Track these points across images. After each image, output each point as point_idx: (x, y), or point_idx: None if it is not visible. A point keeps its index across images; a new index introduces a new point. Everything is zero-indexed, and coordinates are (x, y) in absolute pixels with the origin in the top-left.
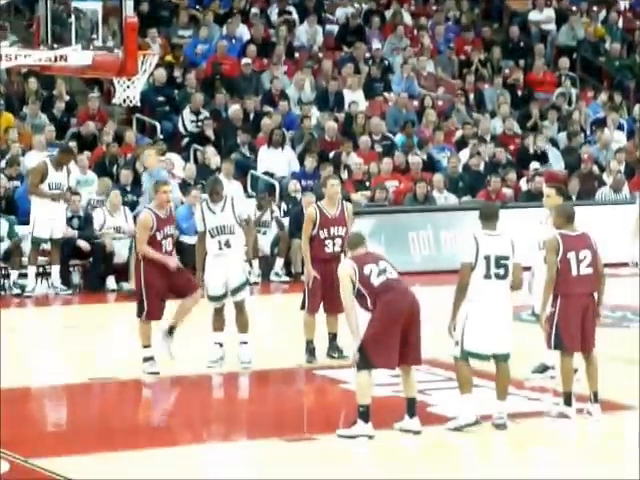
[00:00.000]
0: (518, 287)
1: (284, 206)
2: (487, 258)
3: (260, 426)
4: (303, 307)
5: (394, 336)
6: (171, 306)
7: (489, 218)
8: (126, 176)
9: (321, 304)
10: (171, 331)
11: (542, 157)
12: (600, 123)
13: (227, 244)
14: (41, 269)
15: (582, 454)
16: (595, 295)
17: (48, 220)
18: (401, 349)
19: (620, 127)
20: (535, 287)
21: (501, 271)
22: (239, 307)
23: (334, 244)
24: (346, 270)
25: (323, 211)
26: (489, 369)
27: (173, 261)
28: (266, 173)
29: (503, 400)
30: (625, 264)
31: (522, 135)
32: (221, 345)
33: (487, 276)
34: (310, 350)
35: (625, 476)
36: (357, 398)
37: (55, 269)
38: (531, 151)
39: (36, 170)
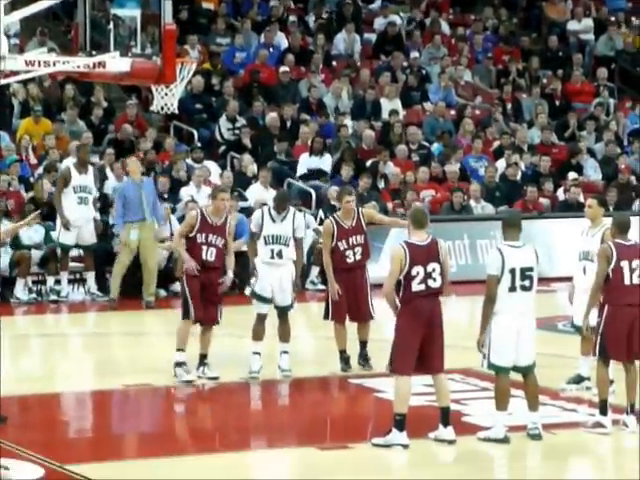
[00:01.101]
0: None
1: (321, 214)
2: (512, 271)
3: (295, 434)
4: (326, 317)
5: (412, 344)
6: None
7: (512, 229)
8: (163, 183)
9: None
10: (203, 360)
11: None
12: (638, 133)
13: (279, 254)
14: (78, 275)
15: (617, 466)
16: None
17: (74, 227)
18: (423, 358)
19: None
20: (575, 298)
21: (526, 283)
22: (283, 317)
23: (354, 253)
24: (399, 256)
25: (340, 223)
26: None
27: (190, 264)
28: (310, 175)
29: (535, 410)
30: None
31: (562, 146)
32: (259, 354)
33: (512, 289)
34: (345, 359)
35: None
36: (394, 406)
37: (90, 275)
38: (573, 162)
39: (59, 176)
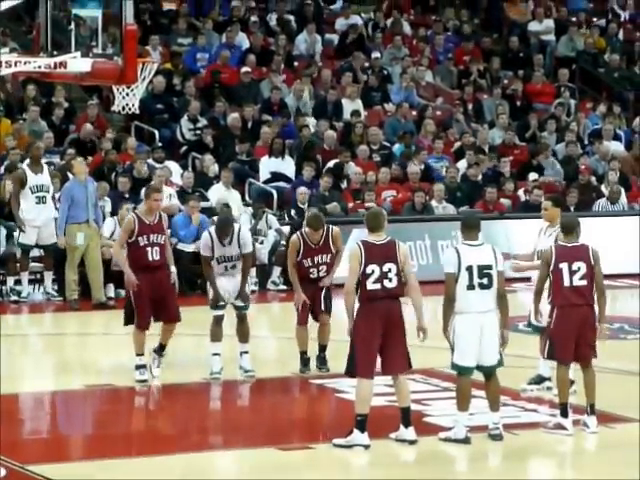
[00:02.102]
0: (503, 295)
1: (294, 212)
2: (469, 269)
3: (256, 435)
4: None
5: (371, 346)
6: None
7: (470, 229)
8: (124, 183)
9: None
10: (161, 349)
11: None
12: (598, 134)
13: (233, 267)
14: (39, 276)
15: (578, 466)
16: (596, 307)
17: (33, 227)
18: (383, 359)
19: (618, 138)
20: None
21: (485, 281)
22: (241, 317)
23: (319, 271)
24: (356, 254)
25: (307, 241)
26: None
27: (132, 282)
28: (273, 179)
29: (496, 411)
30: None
31: (523, 146)
32: (219, 355)
33: (470, 287)
34: (304, 361)
35: None
36: (356, 407)
37: (48, 275)
38: (534, 162)
39: (14, 178)
